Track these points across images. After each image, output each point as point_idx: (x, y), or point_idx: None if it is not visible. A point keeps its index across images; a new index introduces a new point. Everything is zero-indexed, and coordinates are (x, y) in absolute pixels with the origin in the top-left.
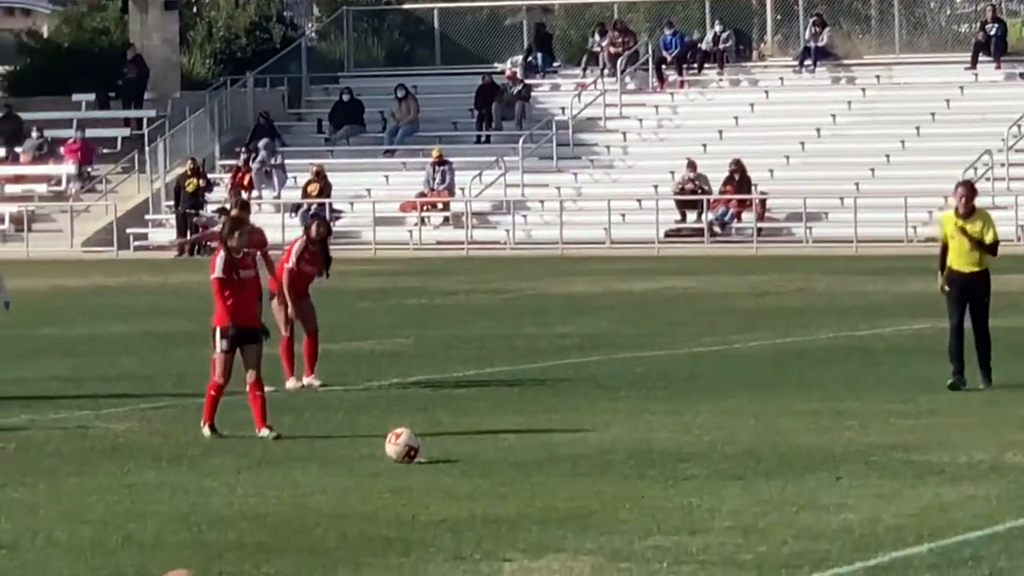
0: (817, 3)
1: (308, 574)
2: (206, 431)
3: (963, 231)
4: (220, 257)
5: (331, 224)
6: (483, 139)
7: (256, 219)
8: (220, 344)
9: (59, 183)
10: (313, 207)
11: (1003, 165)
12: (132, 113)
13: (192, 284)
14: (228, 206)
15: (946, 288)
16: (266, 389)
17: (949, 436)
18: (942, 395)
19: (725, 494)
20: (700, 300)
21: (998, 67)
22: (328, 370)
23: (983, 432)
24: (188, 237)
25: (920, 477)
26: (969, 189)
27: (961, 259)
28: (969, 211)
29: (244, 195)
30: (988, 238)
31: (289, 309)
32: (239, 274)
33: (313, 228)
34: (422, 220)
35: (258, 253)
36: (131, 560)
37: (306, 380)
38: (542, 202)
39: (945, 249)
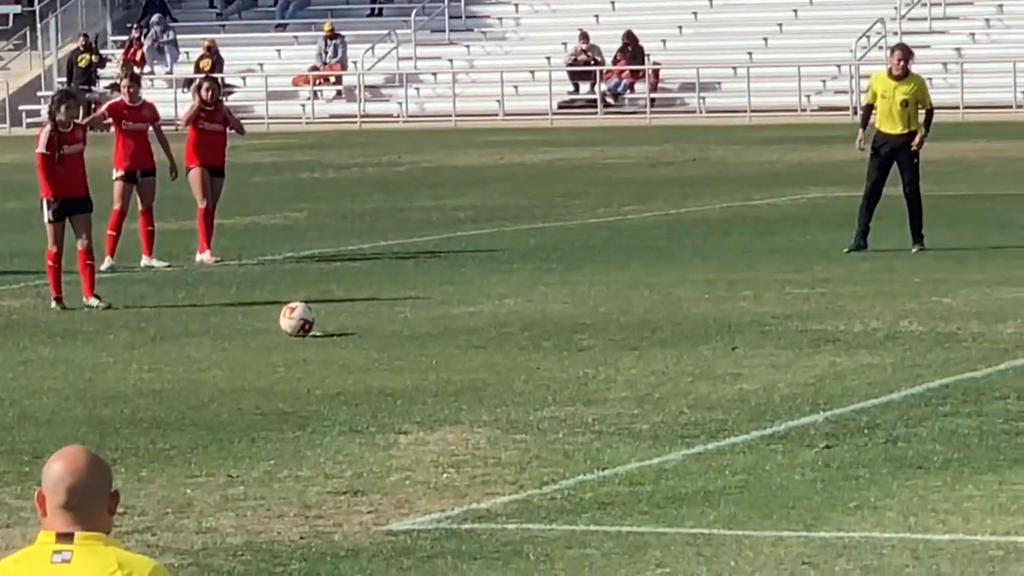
0: None
1: (203, 449)
2: (53, 305)
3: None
4: (45, 132)
5: (220, 93)
6: (375, 12)
7: (149, 95)
8: (47, 215)
9: None
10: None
11: (896, 34)
12: None
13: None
14: (120, 81)
15: (863, 147)
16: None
17: (844, 305)
18: (837, 264)
19: (620, 364)
20: (593, 171)
21: None
22: (222, 245)
23: (878, 301)
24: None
25: (815, 346)
26: (905, 51)
27: (890, 121)
28: (903, 73)
29: (136, 70)
30: (926, 101)
31: (192, 176)
32: (64, 149)
33: (203, 88)
34: (315, 94)
35: (150, 127)
36: (26, 436)
37: (200, 257)
38: (435, 75)
39: (870, 108)
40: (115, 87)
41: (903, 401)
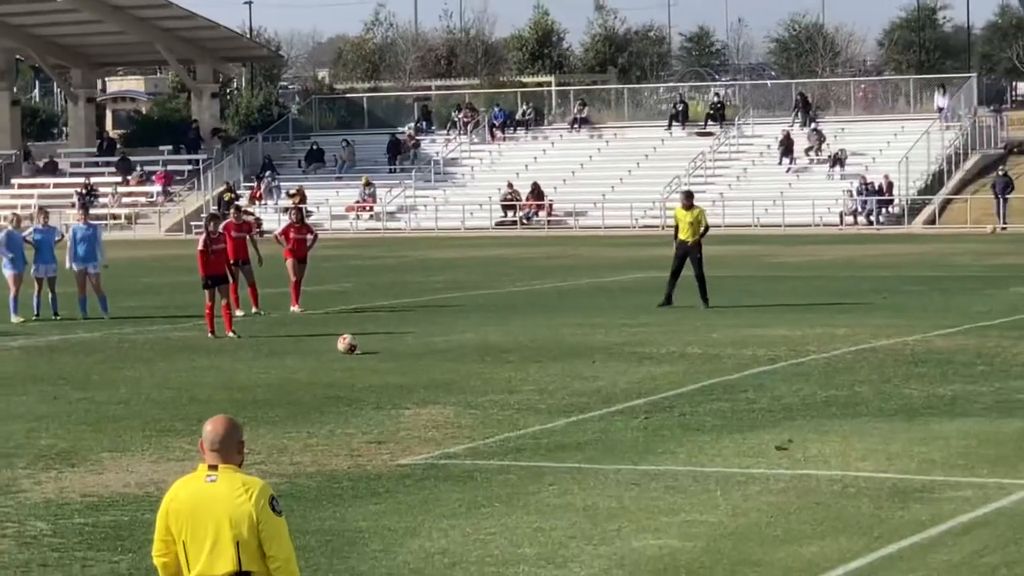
0: (580, 93)
1: (293, 417)
2: (209, 335)
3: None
4: (202, 238)
5: (304, 215)
6: (393, 171)
7: (261, 216)
8: (204, 284)
9: (152, 196)
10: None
11: (686, 184)
12: (194, 156)
13: None
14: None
15: (676, 249)
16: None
17: (656, 338)
18: (654, 314)
19: (529, 370)
20: (514, 262)
21: (683, 129)
22: (305, 301)
23: (674, 335)
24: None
25: (640, 361)
26: (688, 195)
27: (685, 233)
28: (689, 206)
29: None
30: (703, 223)
31: (287, 263)
32: (212, 247)
33: (292, 213)
34: (357, 216)
35: (248, 233)
36: (194, 410)
37: (292, 309)
38: (425, 206)
39: (677, 228)
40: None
41: (689, 392)
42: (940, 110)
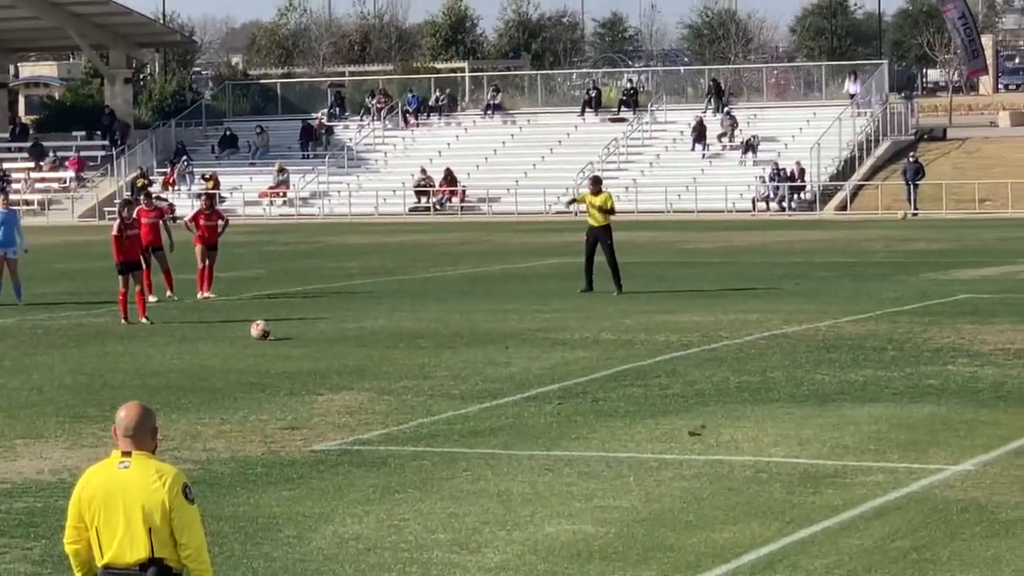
0: (494, 79)
1: (207, 403)
2: (122, 322)
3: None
4: (116, 223)
5: (216, 202)
6: (307, 156)
7: (175, 201)
8: (118, 270)
9: (65, 182)
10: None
11: (599, 170)
12: (106, 142)
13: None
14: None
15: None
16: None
17: (569, 323)
18: (568, 300)
19: (442, 356)
20: (429, 247)
21: (596, 115)
22: (216, 288)
23: (588, 321)
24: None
25: (553, 347)
26: (596, 180)
27: (593, 219)
28: (597, 191)
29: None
30: (609, 206)
31: (196, 249)
32: (126, 232)
33: (203, 199)
34: (271, 203)
35: (161, 219)
36: (107, 396)
37: (203, 294)
38: (339, 192)
39: (572, 201)
40: (157, 199)
41: (602, 377)
42: (851, 96)
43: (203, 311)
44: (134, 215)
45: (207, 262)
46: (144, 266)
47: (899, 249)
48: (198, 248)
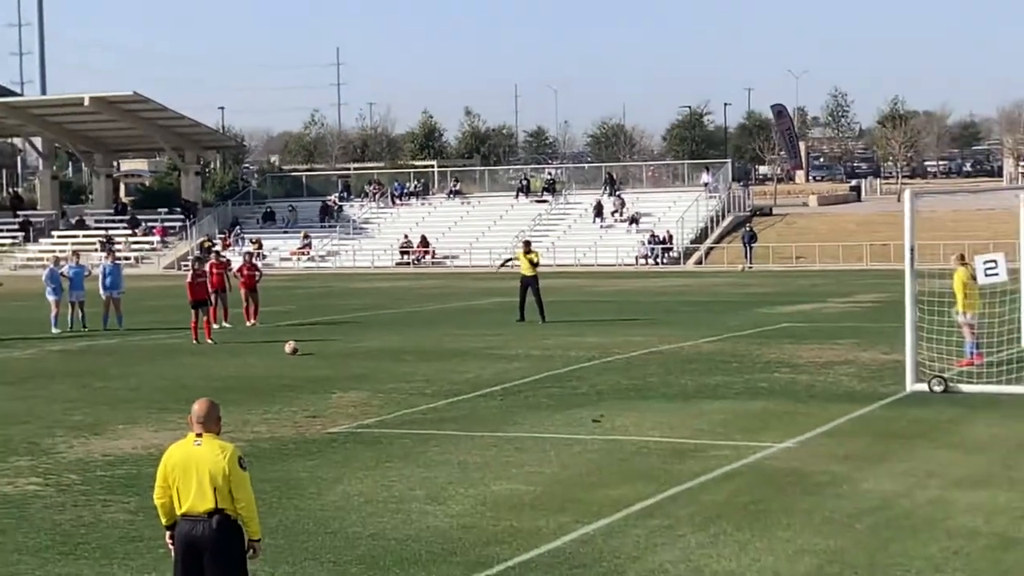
0: (455, 172)
1: (251, 400)
2: (193, 342)
3: (530, 261)
4: (190, 272)
5: (254, 260)
6: (324, 227)
7: (232, 258)
8: (191, 305)
9: (152, 244)
10: (251, 255)
11: (529, 236)
12: (182, 216)
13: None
14: (213, 250)
15: (498, 267)
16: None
17: (508, 343)
18: (507, 327)
19: (420, 366)
20: (410, 290)
21: (526, 198)
22: (262, 318)
23: (521, 341)
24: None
25: (497, 359)
26: (528, 242)
27: (525, 270)
28: (528, 251)
29: (220, 248)
30: (537, 260)
31: (242, 291)
32: (196, 280)
33: (244, 256)
34: (298, 259)
35: (213, 269)
36: (185, 394)
37: (250, 322)
38: (347, 251)
39: (508, 260)
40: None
41: (531, 381)
42: (705, 184)
43: (251, 335)
44: (203, 267)
45: (250, 301)
46: (211, 303)
47: (740, 292)
48: (242, 291)
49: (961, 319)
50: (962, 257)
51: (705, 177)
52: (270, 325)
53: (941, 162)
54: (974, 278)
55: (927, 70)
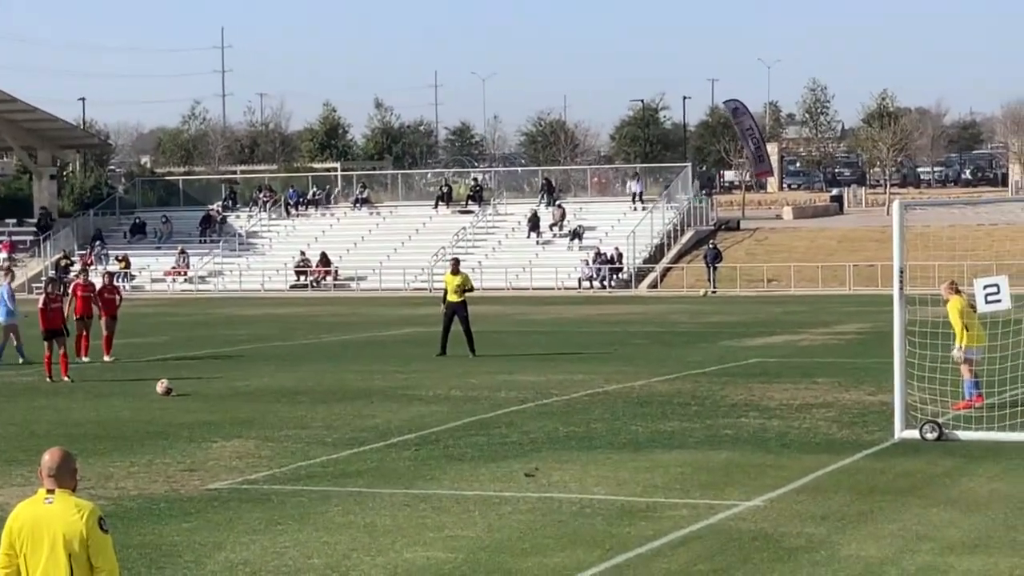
0: (362, 177)
1: (118, 449)
2: (48, 380)
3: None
4: (42, 298)
5: (116, 281)
6: (205, 241)
7: (94, 279)
8: (44, 336)
9: None
10: (119, 274)
11: (451, 254)
12: (34, 229)
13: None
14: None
15: (443, 308)
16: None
17: (424, 382)
18: (423, 363)
19: (318, 409)
20: (306, 318)
21: (447, 207)
22: (126, 352)
23: (440, 380)
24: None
25: (411, 402)
26: (455, 261)
27: (452, 295)
28: (456, 271)
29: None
30: (468, 285)
31: (102, 319)
32: (50, 306)
33: (103, 279)
34: (174, 280)
35: (79, 292)
36: (34, 443)
37: (107, 358)
38: (231, 271)
39: (446, 291)
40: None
41: (452, 428)
42: (634, 196)
43: (115, 371)
44: (58, 291)
45: (109, 330)
46: (66, 333)
47: (701, 321)
48: (103, 319)
49: (958, 354)
50: (954, 284)
51: (633, 186)
52: (139, 360)
53: (936, 168)
54: (972, 306)
55: (920, 60)
